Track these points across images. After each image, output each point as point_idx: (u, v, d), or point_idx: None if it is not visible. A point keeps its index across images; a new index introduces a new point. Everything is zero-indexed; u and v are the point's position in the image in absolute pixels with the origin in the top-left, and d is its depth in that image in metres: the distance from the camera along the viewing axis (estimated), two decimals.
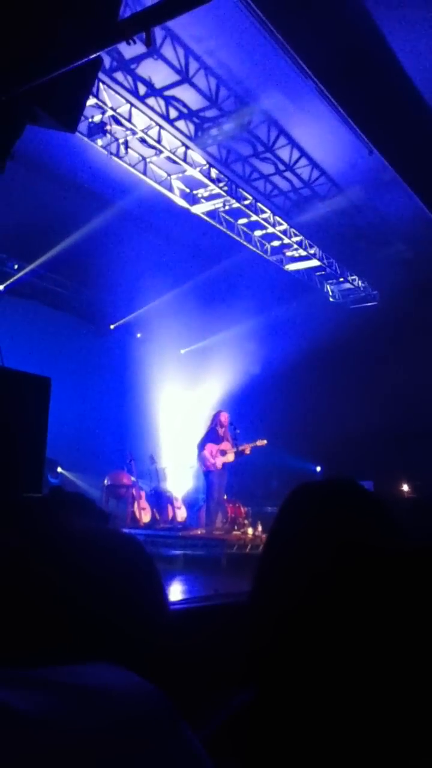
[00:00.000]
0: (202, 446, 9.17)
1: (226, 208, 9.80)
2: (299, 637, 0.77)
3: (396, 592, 0.77)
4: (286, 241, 10.64)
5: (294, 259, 11.33)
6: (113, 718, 0.45)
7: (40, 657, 0.57)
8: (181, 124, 8.44)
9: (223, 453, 9.11)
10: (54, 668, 0.50)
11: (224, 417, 9.41)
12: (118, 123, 8.02)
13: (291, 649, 0.77)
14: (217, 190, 9.28)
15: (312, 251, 11.01)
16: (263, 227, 10.31)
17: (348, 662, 0.74)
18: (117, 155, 8.51)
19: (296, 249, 10.94)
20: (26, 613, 0.67)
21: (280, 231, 10.34)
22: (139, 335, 12.54)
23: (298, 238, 10.66)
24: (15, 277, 10.14)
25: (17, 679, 0.47)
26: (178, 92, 7.95)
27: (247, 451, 9.26)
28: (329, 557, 0.79)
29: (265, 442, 9.36)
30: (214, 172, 9.04)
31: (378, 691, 0.73)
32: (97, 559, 0.74)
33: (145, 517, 9.88)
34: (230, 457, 9.15)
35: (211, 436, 9.23)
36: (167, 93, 7.97)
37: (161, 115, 8.17)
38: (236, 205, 9.61)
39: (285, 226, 10.32)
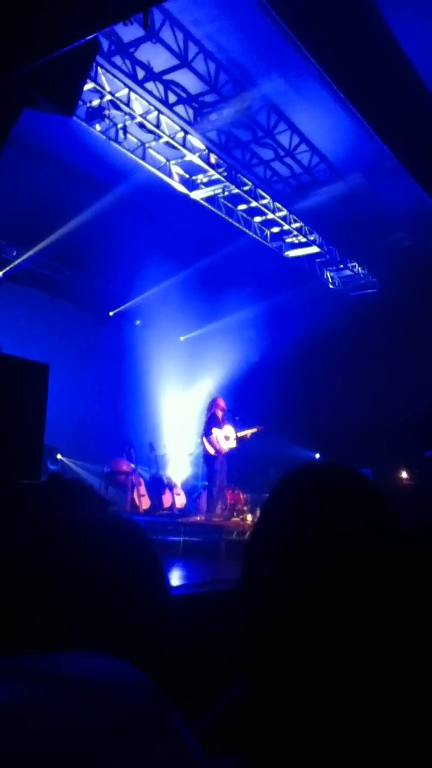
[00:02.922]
0: (208, 432, 9.20)
1: (226, 194, 9.75)
2: (289, 628, 0.77)
3: (391, 587, 0.77)
4: (286, 227, 10.59)
5: (294, 246, 11.29)
6: (96, 707, 0.44)
7: (40, 645, 0.57)
8: (180, 108, 8.37)
9: (227, 438, 9.16)
10: (34, 656, 0.47)
11: (222, 402, 9.45)
12: (117, 108, 7.95)
13: (282, 640, 0.77)
14: (216, 176, 9.22)
15: (312, 238, 10.96)
16: (263, 213, 10.26)
17: (340, 654, 0.74)
18: (116, 140, 8.45)
19: (296, 235, 10.89)
20: (27, 599, 0.66)
21: (279, 217, 10.29)
22: (138, 322, 12.51)
23: (297, 225, 10.61)
24: (14, 264, 10.09)
25: None
26: (177, 77, 7.87)
27: (248, 436, 9.33)
28: (320, 548, 0.78)
29: (261, 428, 9.42)
30: (213, 158, 8.98)
31: (373, 689, 0.73)
32: (98, 544, 0.74)
33: (145, 503, 9.92)
34: (233, 443, 9.20)
35: (214, 421, 9.27)
36: (166, 77, 7.89)
37: (160, 100, 8.09)
38: (236, 191, 9.55)
39: (285, 212, 10.27)
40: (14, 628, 0.63)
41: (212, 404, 9.49)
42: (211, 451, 9.16)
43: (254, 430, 9.39)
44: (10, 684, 0.43)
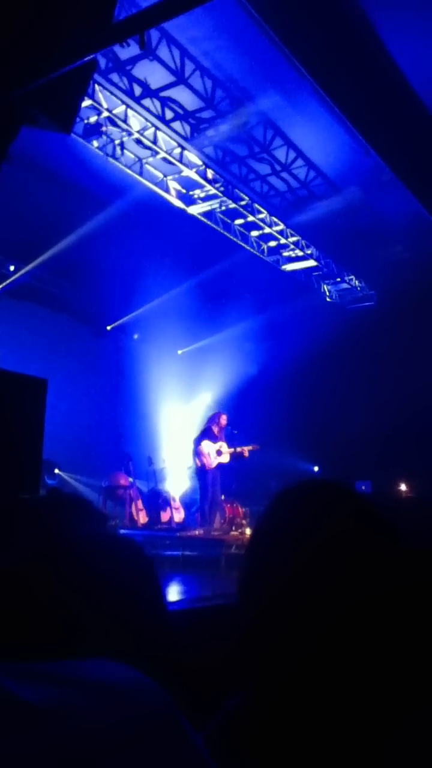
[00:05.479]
0: (198, 443, 9.20)
1: (223, 208, 9.81)
2: (288, 641, 0.77)
3: (389, 597, 0.78)
4: (283, 241, 10.64)
5: (291, 260, 11.34)
6: (118, 712, 0.47)
7: (41, 658, 0.58)
8: (176, 125, 8.44)
9: (219, 453, 9.12)
10: (60, 663, 0.51)
11: (223, 418, 9.43)
12: (114, 124, 8.02)
13: (281, 653, 0.78)
14: (213, 191, 9.28)
15: (309, 251, 11.02)
16: (260, 228, 10.32)
17: (338, 665, 0.75)
18: (113, 156, 8.52)
19: (293, 249, 10.95)
20: (26, 613, 0.67)
21: (276, 231, 10.35)
22: (136, 336, 12.54)
23: (294, 239, 10.67)
24: (12, 279, 10.13)
25: (24, 672, 0.48)
26: (173, 93, 7.95)
27: (246, 454, 9.28)
28: (316, 562, 0.79)
29: (257, 446, 9.40)
30: (210, 173, 9.04)
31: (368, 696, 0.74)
32: (95, 561, 0.75)
33: (143, 518, 9.89)
34: (225, 458, 9.16)
35: (207, 435, 9.25)
36: (163, 94, 7.96)
37: (157, 116, 8.17)
38: (233, 205, 9.61)
39: (282, 226, 10.33)
40: (13, 639, 0.64)
41: (213, 418, 9.48)
42: (198, 464, 9.17)
43: (251, 448, 9.36)
44: (43, 687, 0.46)
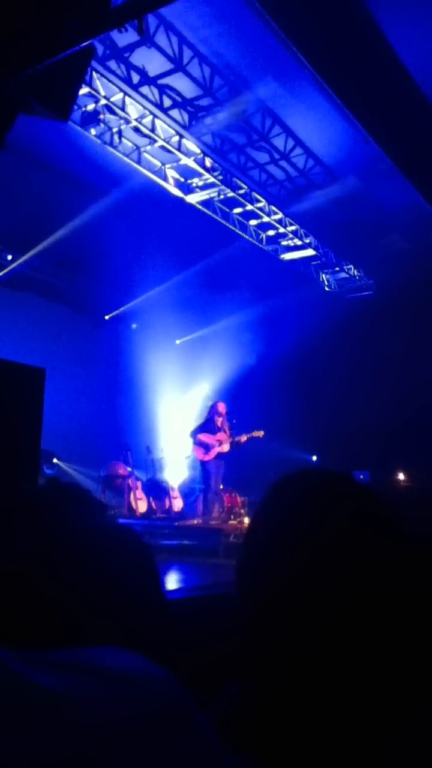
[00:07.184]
0: (194, 436, 9.22)
1: (221, 197, 9.77)
2: (290, 633, 0.77)
3: (394, 589, 0.77)
4: (282, 230, 10.61)
5: (289, 249, 11.31)
6: (133, 701, 0.47)
7: (41, 645, 0.58)
8: (175, 112, 8.38)
9: (219, 443, 9.13)
10: (74, 651, 0.52)
11: (222, 407, 9.44)
12: (112, 112, 7.96)
13: (283, 645, 0.77)
14: (211, 180, 9.24)
15: (307, 241, 10.99)
16: (258, 217, 10.28)
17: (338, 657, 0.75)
18: (111, 144, 8.46)
19: (292, 238, 10.92)
20: (27, 602, 0.67)
21: (275, 220, 10.31)
22: (134, 326, 12.52)
23: (293, 228, 10.63)
24: (9, 268, 10.10)
25: (40, 660, 0.48)
26: (171, 81, 7.89)
27: (243, 440, 9.30)
28: (318, 554, 0.78)
29: (262, 433, 9.38)
30: (208, 161, 8.99)
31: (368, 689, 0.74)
32: (93, 551, 0.75)
33: (142, 507, 9.90)
34: (225, 447, 9.18)
35: (207, 426, 9.26)
36: (161, 81, 7.90)
37: (155, 104, 8.11)
38: (231, 194, 9.57)
39: (280, 215, 10.29)
40: (18, 632, 0.64)
41: (212, 409, 9.49)
42: (197, 457, 9.20)
43: (252, 434, 9.35)
44: (59, 675, 0.47)
